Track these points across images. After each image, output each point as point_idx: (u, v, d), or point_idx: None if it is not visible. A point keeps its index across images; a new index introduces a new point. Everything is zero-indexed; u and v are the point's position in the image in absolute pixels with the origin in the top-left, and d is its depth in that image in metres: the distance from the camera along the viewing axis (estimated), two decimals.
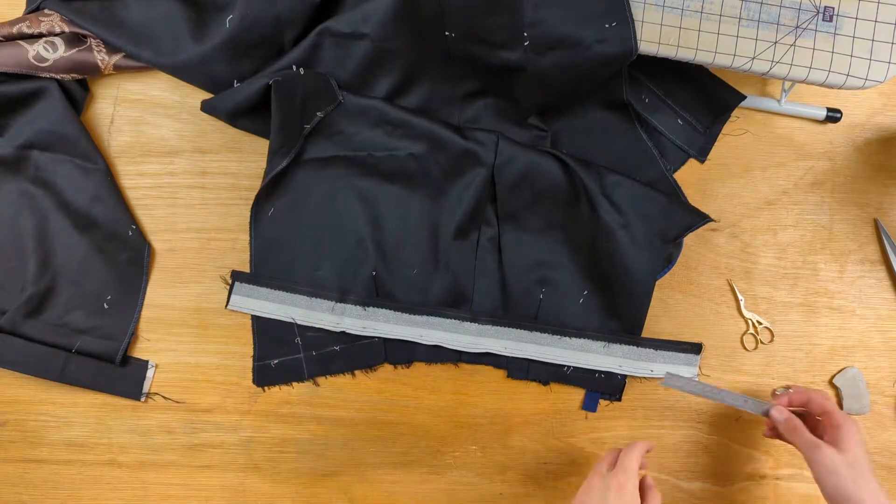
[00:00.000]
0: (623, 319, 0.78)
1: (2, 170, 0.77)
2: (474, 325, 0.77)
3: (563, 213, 0.78)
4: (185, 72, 0.77)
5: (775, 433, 0.72)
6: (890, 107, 0.84)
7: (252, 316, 0.78)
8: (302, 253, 0.78)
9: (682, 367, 0.78)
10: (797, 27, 0.70)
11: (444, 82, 0.79)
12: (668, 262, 0.79)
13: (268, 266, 0.78)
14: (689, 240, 0.80)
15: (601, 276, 0.78)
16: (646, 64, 0.75)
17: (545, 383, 0.79)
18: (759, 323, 0.81)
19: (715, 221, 0.79)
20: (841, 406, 0.80)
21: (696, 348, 0.79)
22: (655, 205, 0.76)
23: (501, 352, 0.77)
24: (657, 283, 0.79)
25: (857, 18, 0.70)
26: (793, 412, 0.71)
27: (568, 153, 0.78)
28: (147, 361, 0.78)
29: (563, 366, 0.78)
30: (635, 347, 0.78)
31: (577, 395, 0.79)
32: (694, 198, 0.81)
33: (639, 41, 0.71)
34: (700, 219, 0.77)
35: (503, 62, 0.74)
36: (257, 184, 0.79)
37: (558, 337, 0.78)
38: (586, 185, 0.75)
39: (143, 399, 0.77)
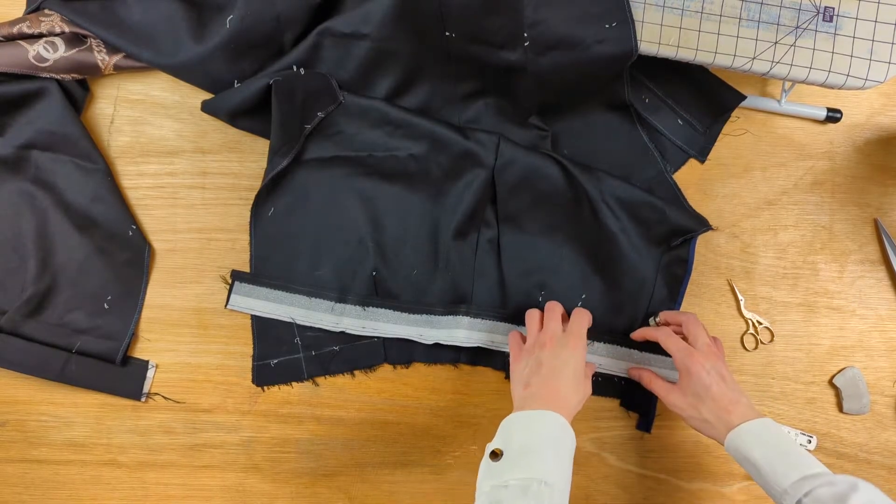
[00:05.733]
0: (624, 322, 0.78)
1: (2, 170, 0.77)
2: (466, 319, 0.77)
3: (564, 216, 0.78)
4: (185, 72, 0.77)
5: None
6: (890, 107, 0.84)
7: (252, 315, 0.78)
8: (302, 252, 0.78)
9: (666, 371, 0.78)
10: (797, 27, 0.70)
11: (445, 82, 0.79)
12: (679, 280, 0.79)
13: (268, 266, 0.78)
14: None
15: (601, 279, 0.78)
16: (646, 64, 0.75)
17: None
18: (759, 323, 0.81)
19: (714, 229, 0.80)
20: (841, 407, 0.80)
21: None
22: (653, 211, 0.76)
23: (490, 346, 0.77)
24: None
25: (857, 19, 0.70)
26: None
27: (568, 157, 0.77)
28: (147, 361, 0.78)
29: None
30: (619, 347, 0.78)
31: None
32: (694, 198, 0.81)
33: (639, 41, 0.71)
34: (699, 226, 0.78)
35: (503, 62, 0.74)
36: (257, 184, 0.79)
37: None
38: (587, 189, 0.75)
39: (143, 399, 0.77)
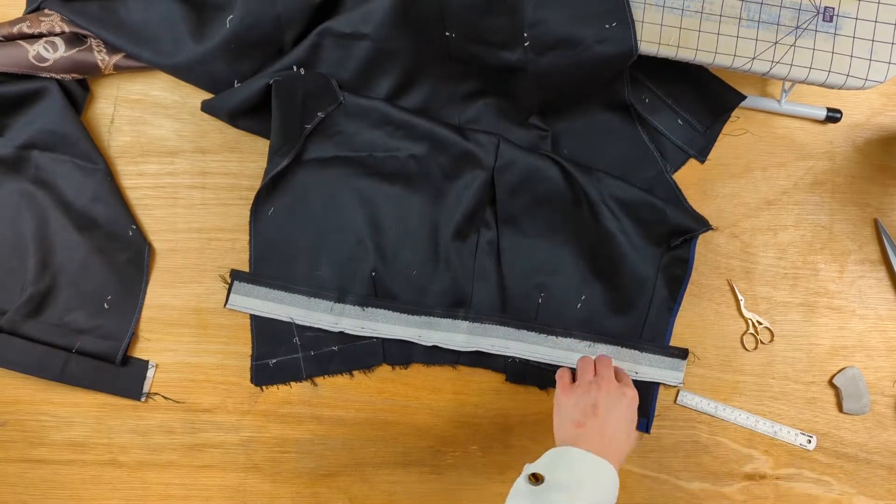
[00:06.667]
0: (624, 322, 0.78)
1: (2, 170, 0.77)
2: (465, 324, 0.77)
3: (564, 217, 0.78)
4: (185, 72, 0.77)
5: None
6: (890, 107, 0.84)
7: (251, 315, 0.78)
8: (301, 252, 0.78)
9: (668, 371, 0.78)
10: (797, 27, 0.70)
11: (445, 82, 0.79)
12: (680, 281, 0.79)
13: (267, 265, 0.78)
14: None
15: (601, 280, 0.78)
16: (646, 64, 0.75)
17: (542, 388, 0.79)
18: (759, 323, 0.81)
19: (714, 229, 0.80)
20: (841, 407, 0.80)
21: (682, 353, 0.79)
22: (653, 211, 0.76)
23: (489, 349, 0.77)
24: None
25: (857, 19, 0.70)
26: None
27: (568, 158, 0.78)
28: (147, 361, 0.78)
29: None
30: (619, 348, 0.78)
31: None
32: (694, 198, 0.81)
33: (639, 41, 0.71)
34: (699, 226, 0.78)
35: (503, 62, 0.74)
36: (257, 184, 0.79)
37: (545, 336, 0.78)
38: (587, 190, 0.76)
39: (143, 399, 0.77)
